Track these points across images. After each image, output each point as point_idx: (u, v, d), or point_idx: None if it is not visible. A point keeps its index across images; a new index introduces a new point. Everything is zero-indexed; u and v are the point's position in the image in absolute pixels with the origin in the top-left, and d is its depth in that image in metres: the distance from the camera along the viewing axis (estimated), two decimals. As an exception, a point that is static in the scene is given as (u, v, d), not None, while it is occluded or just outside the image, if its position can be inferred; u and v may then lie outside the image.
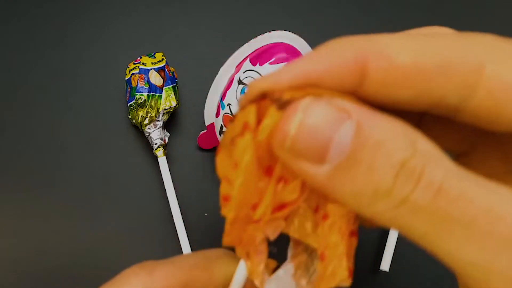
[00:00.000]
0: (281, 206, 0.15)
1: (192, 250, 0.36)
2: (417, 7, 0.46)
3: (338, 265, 0.14)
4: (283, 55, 0.32)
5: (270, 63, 0.32)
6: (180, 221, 0.36)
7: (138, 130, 0.40)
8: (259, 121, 0.14)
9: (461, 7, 0.46)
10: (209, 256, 0.18)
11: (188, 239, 0.36)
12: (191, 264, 0.17)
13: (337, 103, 0.12)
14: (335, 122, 0.12)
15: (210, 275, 0.17)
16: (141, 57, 0.38)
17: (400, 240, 0.36)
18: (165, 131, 0.38)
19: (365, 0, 0.46)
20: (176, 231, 0.36)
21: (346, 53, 0.13)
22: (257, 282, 0.16)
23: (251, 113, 0.14)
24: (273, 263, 0.17)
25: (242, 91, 0.32)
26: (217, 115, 0.36)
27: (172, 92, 0.38)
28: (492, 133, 0.15)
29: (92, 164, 0.40)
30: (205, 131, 0.38)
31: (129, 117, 0.38)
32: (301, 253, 0.17)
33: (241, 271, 0.17)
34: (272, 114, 0.13)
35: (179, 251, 0.36)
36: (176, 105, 0.38)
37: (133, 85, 0.37)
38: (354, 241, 0.15)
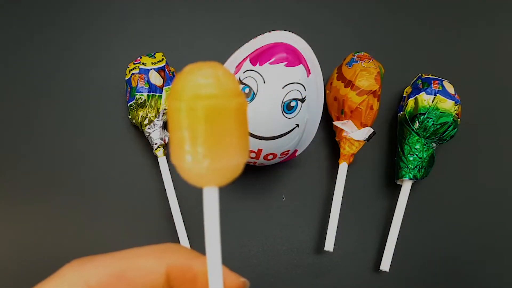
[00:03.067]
0: None
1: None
2: (415, 7, 0.46)
3: None
4: (283, 55, 0.32)
5: (270, 63, 0.32)
6: (180, 221, 0.36)
7: (138, 130, 0.40)
8: None
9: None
10: (155, 248, 0.18)
11: (188, 239, 0.36)
12: (130, 254, 0.18)
13: None
14: None
15: (149, 263, 0.17)
16: (141, 57, 0.38)
17: (400, 240, 0.36)
18: (165, 131, 0.38)
19: (364, 0, 0.46)
20: (176, 231, 0.36)
21: None
22: None
23: None
24: None
25: (243, 91, 0.32)
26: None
27: (172, 92, 0.38)
28: None
29: (92, 164, 0.39)
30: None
31: (129, 117, 0.38)
32: None
33: (214, 257, 0.16)
34: None
35: (179, 251, 0.36)
36: (176, 105, 0.37)
37: (133, 85, 0.37)
38: None
